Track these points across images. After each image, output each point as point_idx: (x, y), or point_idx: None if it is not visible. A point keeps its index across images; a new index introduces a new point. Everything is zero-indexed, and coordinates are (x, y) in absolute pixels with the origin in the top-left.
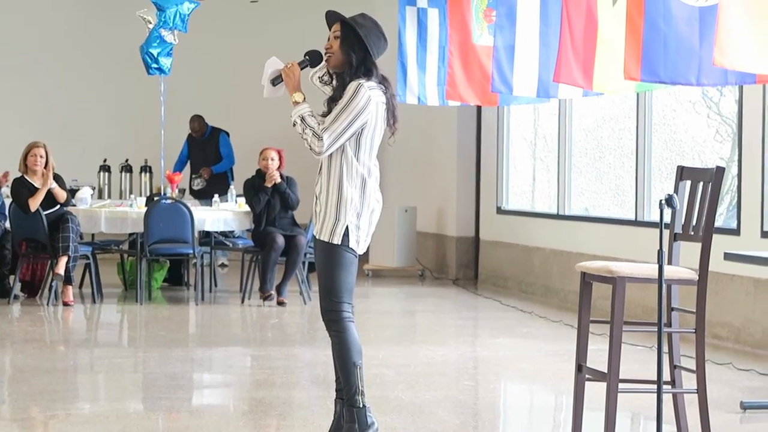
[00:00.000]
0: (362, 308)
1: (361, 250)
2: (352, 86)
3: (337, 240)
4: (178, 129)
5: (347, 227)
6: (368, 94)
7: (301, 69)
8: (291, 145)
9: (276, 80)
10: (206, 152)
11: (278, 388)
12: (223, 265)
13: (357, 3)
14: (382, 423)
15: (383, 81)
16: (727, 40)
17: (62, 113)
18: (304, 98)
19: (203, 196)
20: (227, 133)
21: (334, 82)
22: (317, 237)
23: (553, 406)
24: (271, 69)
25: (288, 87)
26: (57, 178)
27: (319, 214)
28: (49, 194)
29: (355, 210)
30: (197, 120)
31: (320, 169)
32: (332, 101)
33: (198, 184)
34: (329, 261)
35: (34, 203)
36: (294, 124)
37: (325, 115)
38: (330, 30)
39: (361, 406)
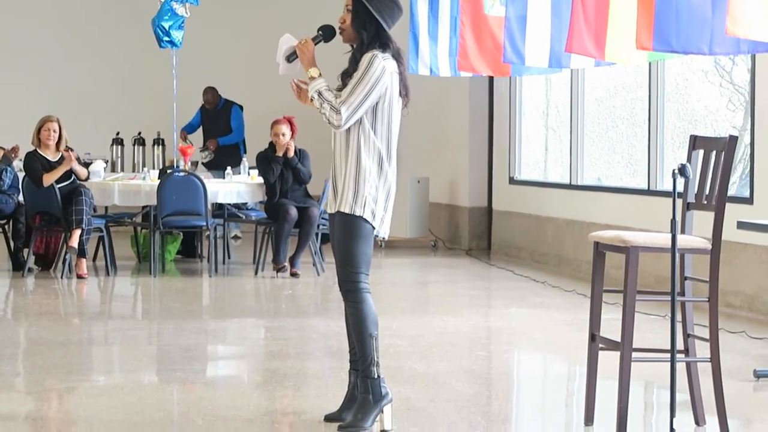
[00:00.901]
0: (375, 279)
1: (383, 232)
2: (366, 57)
3: (359, 211)
4: (190, 102)
5: (366, 199)
6: (383, 64)
7: (315, 44)
8: (303, 117)
9: (291, 57)
10: (218, 124)
11: (292, 359)
12: (236, 237)
13: None
14: (396, 393)
15: (397, 55)
16: (739, 9)
17: (74, 87)
18: (320, 73)
19: (215, 167)
20: (240, 107)
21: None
22: (336, 209)
23: (566, 376)
24: (285, 46)
25: (303, 63)
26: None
27: (336, 186)
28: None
29: (373, 182)
30: (210, 92)
31: (335, 143)
32: (345, 75)
33: (205, 156)
34: (347, 232)
35: (49, 179)
36: (311, 99)
37: (340, 89)
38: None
39: (375, 376)
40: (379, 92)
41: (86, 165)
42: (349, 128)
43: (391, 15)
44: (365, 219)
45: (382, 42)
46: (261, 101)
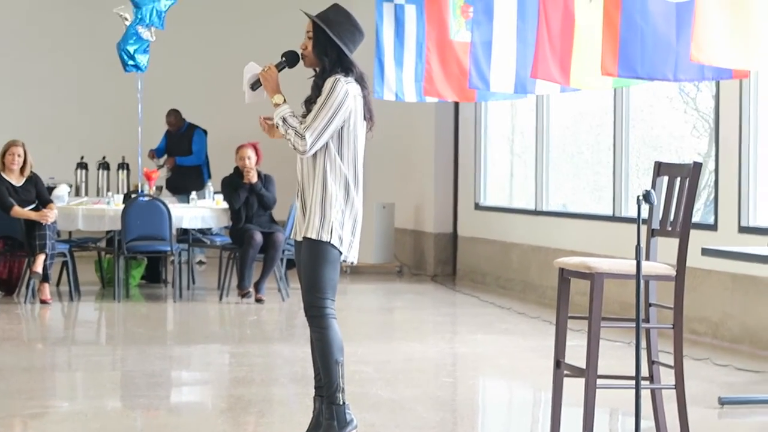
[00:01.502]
0: (341, 305)
1: (351, 257)
2: (329, 82)
3: (326, 237)
4: (156, 126)
5: (332, 224)
6: (345, 87)
7: (279, 70)
8: (268, 143)
9: (255, 85)
10: (181, 147)
11: (257, 385)
12: (201, 263)
13: (317, 8)
14: (361, 420)
15: (360, 79)
16: (703, 36)
17: (39, 111)
18: (285, 99)
19: (179, 192)
20: (204, 131)
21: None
22: (303, 235)
23: (531, 403)
24: (249, 74)
25: (267, 90)
26: (35, 178)
27: (304, 211)
28: (27, 192)
29: (339, 207)
30: (173, 114)
31: (302, 168)
32: (309, 102)
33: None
34: (313, 257)
35: (17, 214)
36: (276, 126)
37: (305, 116)
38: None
39: (341, 403)
40: (343, 116)
41: (50, 189)
42: (315, 154)
43: (352, 39)
44: (332, 244)
45: (345, 66)
46: (226, 125)
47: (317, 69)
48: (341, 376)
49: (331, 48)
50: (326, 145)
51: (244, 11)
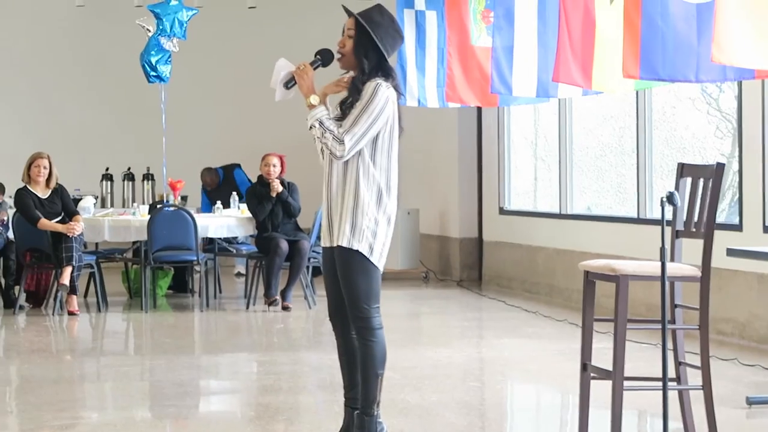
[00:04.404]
0: None
1: (380, 264)
2: (370, 86)
3: (356, 245)
4: (179, 135)
5: (364, 232)
6: (386, 93)
7: (314, 69)
8: (292, 150)
9: (290, 83)
10: (228, 191)
11: (285, 393)
12: (239, 275)
13: (356, 6)
14: (390, 426)
15: (396, 86)
16: (724, 36)
17: (64, 123)
18: (321, 101)
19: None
20: (239, 166)
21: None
22: (335, 243)
23: (559, 406)
24: (283, 72)
25: (302, 89)
26: (61, 190)
27: (332, 218)
28: (53, 204)
29: (372, 215)
30: (208, 174)
31: (331, 174)
32: (344, 104)
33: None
34: (351, 268)
35: (44, 226)
36: (311, 128)
37: (339, 118)
38: (346, 25)
39: (373, 414)
40: (382, 122)
41: (76, 201)
42: (348, 159)
43: (393, 44)
44: (361, 253)
45: (385, 71)
46: (250, 134)
47: (354, 70)
48: (379, 389)
49: (372, 51)
50: (360, 151)
51: (265, 19)
